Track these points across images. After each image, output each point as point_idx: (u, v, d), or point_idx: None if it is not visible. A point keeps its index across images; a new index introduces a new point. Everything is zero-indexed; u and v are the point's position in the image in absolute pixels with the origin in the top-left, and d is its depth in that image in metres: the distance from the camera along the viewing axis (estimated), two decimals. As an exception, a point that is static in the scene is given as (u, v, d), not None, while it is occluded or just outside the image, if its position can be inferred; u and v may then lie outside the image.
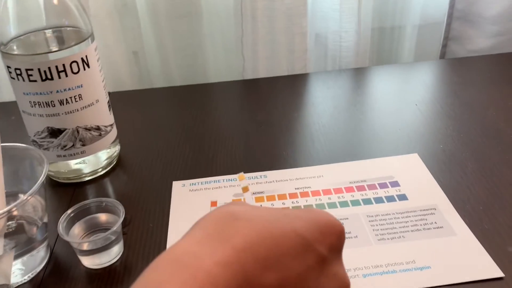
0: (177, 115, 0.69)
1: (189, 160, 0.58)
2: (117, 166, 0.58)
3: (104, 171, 0.57)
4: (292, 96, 0.71)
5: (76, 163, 0.54)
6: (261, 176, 0.54)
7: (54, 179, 0.56)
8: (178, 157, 0.59)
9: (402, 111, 0.65)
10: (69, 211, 0.44)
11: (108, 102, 0.56)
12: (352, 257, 0.43)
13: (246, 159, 0.58)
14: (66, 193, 0.54)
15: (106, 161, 0.56)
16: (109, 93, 0.77)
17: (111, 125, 0.56)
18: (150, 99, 0.75)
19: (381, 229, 0.46)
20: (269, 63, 0.81)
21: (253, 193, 0.52)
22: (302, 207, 0.49)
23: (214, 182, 0.54)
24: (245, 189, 0.51)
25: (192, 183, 0.54)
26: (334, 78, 0.76)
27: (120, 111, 0.71)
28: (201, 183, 0.54)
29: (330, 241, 0.26)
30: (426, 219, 0.47)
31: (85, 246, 0.43)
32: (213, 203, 0.51)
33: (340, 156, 0.57)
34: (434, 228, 0.46)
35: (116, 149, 0.58)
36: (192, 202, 0.51)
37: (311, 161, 0.56)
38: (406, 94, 0.70)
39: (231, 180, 0.54)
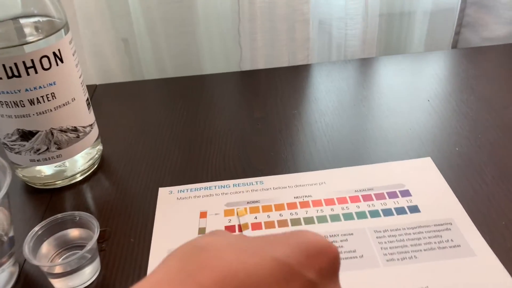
0: (168, 110, 0.64)
1: (179, 162, 0.53)
2: (99, 169, 0.53)
3: (84, 176, 0.51)
4: (293, 90, 0.66)
5: (54, 168, 0.49)
6: (257, 182, 0.49)
7: (30, 184, 0.51)
8: (166, 159, 0.54)
9: (413, 109, 0.59)
10: (36, 228, 0.39)
11: (87, 100, 0.50)
12: (356, 281, 0.38)
13: (241, 161, 0.52)
14: (41, 200, 0.49)
15: (85, 165, 0.51)
16: (96, 86, 0.72)
17: (91, 125, 0.51)
18: (139, 92, 0.69)
19: (390, 248, 0.40)
20: (268, 53, 0.74)
21: (248, 202, 0.46)
22: (302, 219, 0.44)
23: (205, 189, 0.49)
24: (245, 227, 0.44)
25: (180, 190, 0.49)
26: (339, 69, 0.70)
27: (106, 106, 0.66)
28: (190, 190, 0.49)
29: (320, 265, 0.23)
30: (441, 236, 0.41)
31: (56, 269, 0.38)
32: (203, 214, 0.45)
33: (344, 160, 0.51)
34: (450, 247, 0.40)
35: (97, 151, 0.53)
36: (179, 212, 0.46)
37: (313, 164, 0.51)
38: (418, 89, 0.64)
39: (224, 187, 0.49)
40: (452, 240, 0.41)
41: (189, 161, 0.53)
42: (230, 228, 0.43)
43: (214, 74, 0.73)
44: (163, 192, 0.49)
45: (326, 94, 0.64)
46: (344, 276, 0.37)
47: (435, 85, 0.64)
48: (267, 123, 0.59)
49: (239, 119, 0.60)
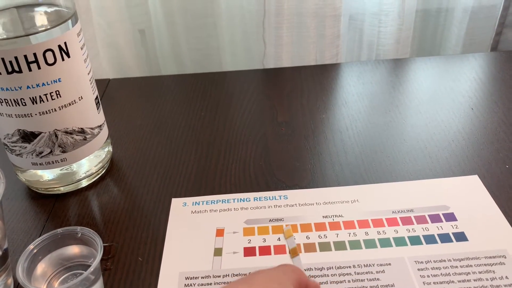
0: (185, 109, 0.59)
1: (194, 169, 0.48)
2: (108, 173, 0.49)
3: (91, 181, 0.47)
4: (321, 92, 0.60)
5: (59, 171, 0.45)
6: (280, 196, 0.44)
7: (33, 189, 0.47)
8: (181, 165, 0.49)
9: (455, 117, 0.53)
10: (31, 247, 0.34)
11: (97, 98, 0.46)
12: None
13: (263, 172, 0.47)
14: (44, 207, 0.45)
15: (92, 169, 0.46)
16: (109, 80, 0.68)
17: (100, 126, 0.46)
18: (155, 88, 0.64)
19: (433, 283, 0.35)
20: (294, 50, 0.69)
21: (270, 220, 0.41)
22: (332, 244, 0.39)
23: (223, 202, 0.44)
24: (294, 252, 0.38)
25: (195, 202, 0.44)
26: (371, 70, 0.64)
27: (119, 102, 0.62)
28: (206, 202, 0.44)
29: None
30: (493, 272, 0.36)
31: (53, 292, 0.34)
32: (219, 232, 0.41)
33: (378, 174, 0.46)
34: (505, 286, 0.35)
35: (106, 153, 0.48)
36: (194, 229, 0.41)
37: (343, 178, 0.46)
38: (459, 95, 0.58)
39: (244, 201, 0.44)
40: (507, 278, 0.35)
41: (206, 168, 0.48)
42: (250, 250, 0.39)
43: (235, 71, 0.68)
44: (176, 203, 0.44)
45: (358, 97, 0.58)
46: None
47: (479, 92, 0.58)
48: (292, 128, 0.54)
49: (261, 122, 0.55)
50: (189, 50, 0.74)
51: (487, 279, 0.35)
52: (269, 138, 0.52)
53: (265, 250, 0.38)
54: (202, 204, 0.44)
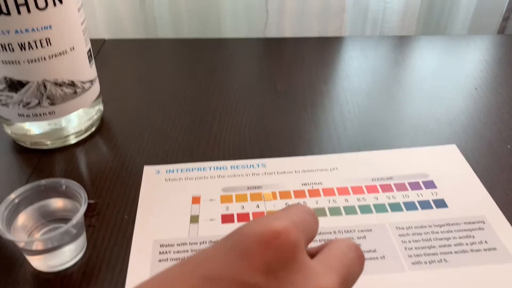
0: (180, 74, 0.57)
1: (187, 133, 0.47)
2: (97, 132, 0.47)
3: (79, 138, 0.45)
4: (322, 64, 0.58)
5: (47, 125, 0.43)
6: (258, 165, 0.42)
7: (20, 143, 0.45)
8: (173, 130, 0.47)
9: (457, 96, 0.52)
10: (12, 196, 0.33)
11: (89, 51, 0.44)
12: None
13: (257, 140, 0.46)
14: (29, 162, 0.43)
15: (81, 126, 0.45)
16: (104, 41, 0.66)
17: (91, 81, 0.44)
18: (151, 52, 0.62)
19: (415, 248, 0.34)
20: (297, 20, 0.67)
21: (248, 188, 0.40)
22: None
23: (198, 170, 0.42)
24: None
25: (169, 170, 0.42)
26: (375, 45, 0.63)
27: (113, 63, 0.60)
28: (181, 170, 0.42)
29: (262, 261, 0.20)
30: (473, 236, 0.35)
31: (35, 245, 0.32)
32: (195, 199, 0.39)
33: (375, 149, 0.44)
34: (484, 250, 0.34)
35: (96, 111, 0.46)
36: (168, 196, 0.39)
37: (340, 149, 0.44)
38: (462, 75, 0.56)
39: (220, 169, 0.42)
40: (486, 242, 0.35)
41: (199, 133, 0.47)
42: (228, 217, 0.37)
43: (235, 39, 0.66)
44: (149, 171, 0.42)
45: (360, 71, 0.57)
46: (364, 280, 0.31)
47: (484, 73, 0.57)
48: (290, 98, 0.52)
49: (259, 91, 0.53)
50: (189, 15, 0.72)
51: (466, 244, 0.35)
52: (266, 107, 0.51)
53: (243, 217, 0.37)
54: (177, 172, 0.42)
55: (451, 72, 0.57)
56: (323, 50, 0.61)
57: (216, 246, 0.21)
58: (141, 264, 0.33)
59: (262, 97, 0.52)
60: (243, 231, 0.21)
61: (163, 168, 0.42)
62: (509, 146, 0.45)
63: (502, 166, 0.42)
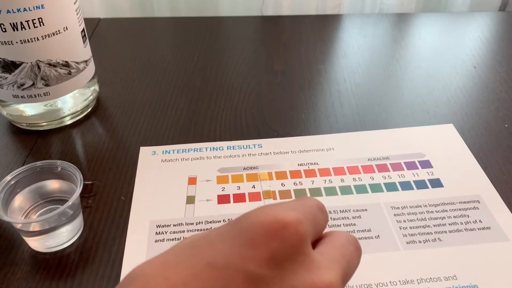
0: (177, 53, 0.56)
1: (184, 113, 0.47)
2: (93, 113, 0.47)
3: (75, 119, 0.45)
4: (320, 42, 0.58)
5: (43, 106, 0.43)
6: (254, 145, 0.42)
7: (16, 124, 0.45)
8: (170, 108, 0.47)
9: (456, 74, 0.52)
10: (8, 178, 0.33)
11: (83, 31, 0.43)
12: (373, 267, 0.32)
13: (254, 120, 0.46)
14: (25, 143, 0.43)
15: (77, 107, 0.45)
16: (99, 20, 0.65)
17: (86, 61, 0.44)
18: (147, 31, 0.62)
19: (410, 227, 0.35)
20: (295, -2, 0.66)
21: (244, 168, 0.40)
22: (307, 190, 0.38)
23: (194, 150, 0.42)
24: (267, 194, 0.37)
25: (166, 151, 0.42)
26: (374, 23, 0.62)
27: (108, 43, 0.59)
28: (177, 151, 0.42)
29: (268, 251, 0.19)
30: (468, 216, 0.35)
31: (32, 227, 0.32)
32: (192, 180, 0.39)
33: (373, 127, 0.44)
34: (479, 229, 0.34)
35: (92, 92, 0.46)
36: (164, 177, 0.39)
37: (337, 129, 0.44)
38: (462, 53, 0.56)
39: (216, 149, 0.42)
40: (480, 221, 0.35)
41: (195, 113, 0.47)
42: (224, 198, 0.37)
43: (232, 17, 0.65)
44: (145, 152, 0.42)
45: (358, 49, 0.56)
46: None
47: (483, 51, 0.56)
48: (287, 78, 0.52)
49: (256, 70, 0.53)
50: (185, -6, 0.71)
51: (461, 223, 0.35)
52: (263, 87, 0.50)
53: (239, 198, 0.37)
54: (173, 152, 0.42)
55: (450, 50, 0.56)
56: (321, 28, 0.61)
57: (222, 231, 0.21)
58: (138, 244, 0.34)
59: (259, 76, 0.52)
60: (251, 218, 0.21)
61: (159, 149, 0.42)
62: (506, 125, 0.44)
63: (498, 145, 0.42)
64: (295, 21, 0.63)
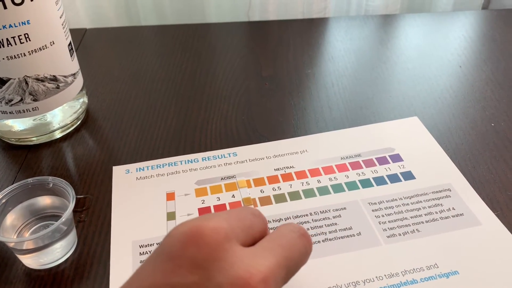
0: (165, 62, 0.56)
1: (174, 123, 0.47)
2: (83, 125, 0.47)
3: (64, 132, 0.45)
4: (307, 46, 0.58)
5: (32, 121, 0.42)
6: (229, 154, 0.42)
7: (5, 140, 0.45)
8: (160, 119, 0.47)
9: (442, 75, 0.52)
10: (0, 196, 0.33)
11: (70, 45, 0.43)
12: (359, 264, 0.32)
13: (244, 127, 0.46)
14: (15, 158, 0.43)
15: (66, 120, 0.44)
16: (86, 30, 0.65)
17: (74, 74, 0.44)
18: (134, 40, 0.62)
19: (388, 221, 0.35)
20: (281, 2, 0.66)
21: (222, 179, 0.39)
22: (287, 194, 0.38)
23: (169, 165, 0.41)
24: (247, 202, 0.37)
25: (139, 168, 0.41)
26: (359, 26, 0.62)
27: (96, 53, 0.59)
28: (152, 167, 0.41)
29: (186, 259, 0.20)
30: (441, 204, 0.37)
31: (25, 245, 0.32)
32: (170, 195, 0.38)
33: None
34: (453, 216, 0.36)
35: (81, 104, 0.46)
36: (141, 195, 0.38)
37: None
38: (448, 53, 0.56)
39: (192, 162, 0.41)
40: (453, 209, 0.36)
41: (186, 122, 0.47)
42: (205, 210, 0.37)
43: (219, 24, 0.65)
44: (118, 172, 0.41)
45: (345, 53, 0.57)
46: (343, 258, 0.33)
47: (468, 50, 0.57)
48: (276, 83, 0.52)
49: (245, 77, 0.53)
50: (171, 0, 0.71)
51: (436, 212, 0.36)
52: (252, 93, 0.51)
53: (220, 209, 0.37)
54: (147, 169, 0.41)
55: (436, 51, 0.57)
56: (307, 32, 0.61)
57: (151, 254, 0.22)
58: (123, 267, 0.33)
59: (247, 83, 0.52)
60: (171, 233, 0.22)
61: (132, 167, 0.41)
62: (493, 124, 0.45)
63: (485, 144, 0.43)
64: (283, 26, 0.63)
